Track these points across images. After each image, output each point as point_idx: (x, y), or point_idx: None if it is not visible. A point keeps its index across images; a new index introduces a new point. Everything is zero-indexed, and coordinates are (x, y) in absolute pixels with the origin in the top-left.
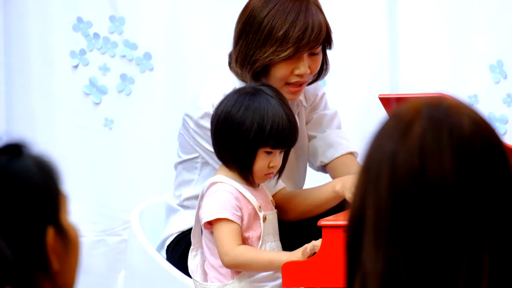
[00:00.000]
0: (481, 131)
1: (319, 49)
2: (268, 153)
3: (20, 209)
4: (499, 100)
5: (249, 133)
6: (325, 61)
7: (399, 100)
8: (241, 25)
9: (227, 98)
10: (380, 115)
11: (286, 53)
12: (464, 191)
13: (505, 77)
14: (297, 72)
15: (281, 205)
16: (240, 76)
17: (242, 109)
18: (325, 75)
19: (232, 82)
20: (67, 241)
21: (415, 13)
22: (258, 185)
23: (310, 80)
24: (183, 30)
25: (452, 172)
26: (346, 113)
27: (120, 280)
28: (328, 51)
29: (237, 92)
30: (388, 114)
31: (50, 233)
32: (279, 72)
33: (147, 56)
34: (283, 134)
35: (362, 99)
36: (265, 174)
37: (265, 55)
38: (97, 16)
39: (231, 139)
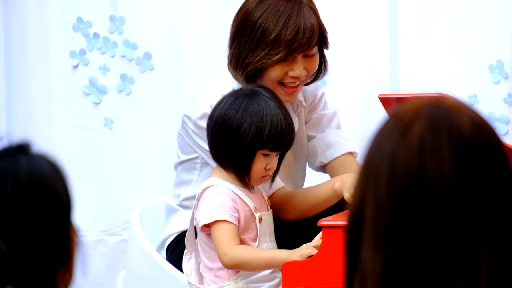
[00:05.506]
0: (481, 131)
1: (315, 50)
2: (265, 155)
3: (49, 208)
4: (499, 100)
5: (247, 136)
6: (323, 61)
7: (399, 100)
8: (235, 27)
9: (224, 100)
10: (380, 115)
11: (278, 56)
12: (463, 192)
13: (506, 77)
14: (291, 74)
15: (280, 205)
16: (235, 78)
17: (241, 111)
18: (323, 75)
19: (230, 83)
20: (79, 238)
21: (415, 13)
22: (253, 187)
23: (308, 81)
24: (183, 30)
25: (451, 173)
26: (346, 113)
27: (120, 280)
28: (328, 51)
29: (234, 94)
30: (388, 114)
31: (72, 230)
32: (273, 74)
33: (147, 56)
34: (281, 137)
35: (362, 99)
36: (262, 177)
37: (257, 58)
38: (97, 16)
39: (228, 141)
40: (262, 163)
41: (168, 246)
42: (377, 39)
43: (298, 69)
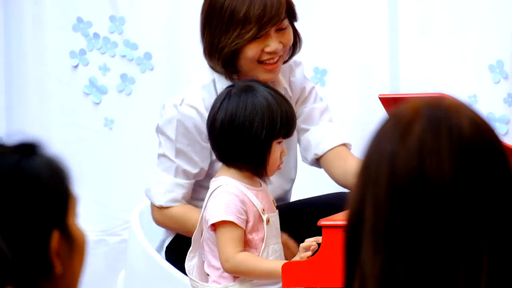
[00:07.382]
0: (480, 132)
1: (286, 23)
2: (279, 143)
3: (26, 210)
4: (499, 100)
5: (262, 129)
6: (296, 34)
7: (399, 100)
8: (204, 16)
9: (224, 101)
10: (380, 115)
11: (250, 33)
12: (463, 192)
13: (506, 77)
14: (267, 49)
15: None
16: (213, 68)
17: (249, 108)
18: (299, 49)
19: (210, 75)
20: (73, 245)
21: (415, 13)
22: (260, 184)
23: (287, 58)
24: (183, 30)
25: (451, 173)
26: (346, 113)
27: (120, 280)
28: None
29: (232, 94)
30: (388, 114)
31: (55, 237)
32: (249, 53)
33: (147, 56)
34: (292, 121)
35: (362, 99)
36: (278, 165)
37: (231, 40)
38: (97, 16)
39: (242, 140)
40: (278, 151)
41: (167, 247)
42: (377, 39)
43: (273, 44)
